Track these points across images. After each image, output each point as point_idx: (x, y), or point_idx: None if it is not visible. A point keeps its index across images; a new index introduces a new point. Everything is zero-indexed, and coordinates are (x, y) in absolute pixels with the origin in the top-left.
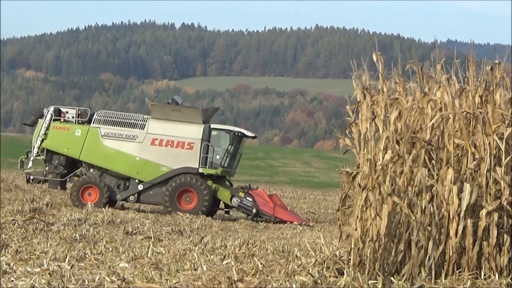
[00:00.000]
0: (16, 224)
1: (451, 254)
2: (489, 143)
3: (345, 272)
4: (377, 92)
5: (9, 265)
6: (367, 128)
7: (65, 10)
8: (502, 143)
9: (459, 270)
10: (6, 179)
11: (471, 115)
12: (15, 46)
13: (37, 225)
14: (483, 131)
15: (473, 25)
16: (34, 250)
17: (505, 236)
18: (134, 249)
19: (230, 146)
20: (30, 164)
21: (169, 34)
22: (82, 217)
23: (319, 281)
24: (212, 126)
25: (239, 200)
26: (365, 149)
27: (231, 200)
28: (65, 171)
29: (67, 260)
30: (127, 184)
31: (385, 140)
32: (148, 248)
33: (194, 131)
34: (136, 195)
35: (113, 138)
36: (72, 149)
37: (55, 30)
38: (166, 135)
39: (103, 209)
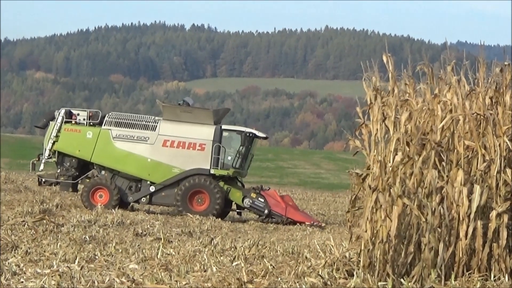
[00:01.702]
0: (26, 225)
1: (461, 255)
2: (499, 145)
3: (355, 273)
4: (387, 94)
5: (18, 266)
6: (377, 130)
7: (75, 11)
8: None
9: (469, 272)
10: (16, 180)
11: (481, 117)
12: (25, 47)
13: (47, 226)
14: (493, 133)
15: (484, 27)
16: (44, 252)
17: None
18: (144, 251)
19: (241, 147)
20: (41, 167)
21: (179, 35)
22: (92, 218)
23: (328, 282)
24: (223, 127)
25: (251, 201)
26: (375, 151)
27: (243, 201)
28: (77, 173)
29: (76, 261)
30: (139, 185)
31: (395, 141)
32: (158, 249)
33: (205, 132)
34: (148, 196)
35: (125, 140)
36: (83, 151)
37: (65, 31)
38: (178, 137)
39: (113, 210)
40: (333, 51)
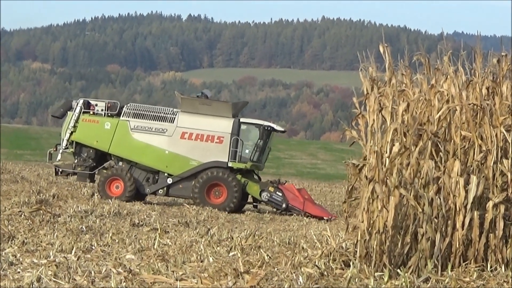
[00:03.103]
0: (22, 215)
1: (457, 246)
2: (496, 135)
3: (351, 264)
4: (384, 84)
5: (15, 257)
6: (374, 120)
7: (72, 2)
8: (509, 135)
9: (466, 262)
10: (12, 171)
11: (478, 107)
12: (22, 37)
13: (43, 216)
14: (490, 123)
15: (480, 17)
16: (41, 242)
17: None
18: (140, 241)
19: (259, 140)
20: (59, 157)
21: (175, 26)
22: (89, 208)
23: (325, 273)
24: (242, 120)
25: (268, 195)
26: (372, 141)
27: (260, 194)
28: (94, 164)
29: (73, 251)
30: (156, 177)
31: (392, 132)
32: (155, 239)
33: (223, 125)
34: (165, 188)
35: (143, 132)
36: (101, 142)
37: (61, 22)
38: (196, 129)
39: (110, 200)
40: (330, 42)
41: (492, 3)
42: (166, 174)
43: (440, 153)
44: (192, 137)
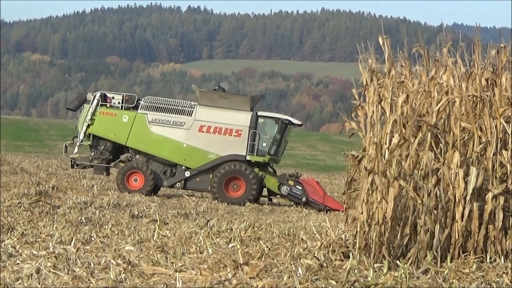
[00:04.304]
0: (22, 207)
1: (457, 237)
2: (496, 126)
3: (350, 255)
4: (383, 75)
5: (14, 248)
6: (373, 112)
7: None
8: (509, 126)
9: (465, 254)
10: (12, 162)
11: (478, 99)
12: (22, 29)
13: (43, 208)
14: (490, 115)
15: (480, 8)
16: (40, 233)
17: (511, 219)
18: (139, 232)
19: (277, 134)
20: (76, 150)
21: (175, 17)
22: (88, 200)
23: (324, 264)
24: (259, 113)
25: (288, 188)
26: (371, 133)
27: (279, 188)
28: (111, 157)
29: (73, 243)
30: (174, 170)
31: (391, 123)
32: (154, 231)
33: (242, 118)
34: (182, 182)
35: (161, 125)
36: (119, 135)
37: (61, 13)
38: (214, 122)
39: (109, 192)
40: (329, 33)
41: None
42: (183, 167)
43: (440, 144)
44: (210, 130)
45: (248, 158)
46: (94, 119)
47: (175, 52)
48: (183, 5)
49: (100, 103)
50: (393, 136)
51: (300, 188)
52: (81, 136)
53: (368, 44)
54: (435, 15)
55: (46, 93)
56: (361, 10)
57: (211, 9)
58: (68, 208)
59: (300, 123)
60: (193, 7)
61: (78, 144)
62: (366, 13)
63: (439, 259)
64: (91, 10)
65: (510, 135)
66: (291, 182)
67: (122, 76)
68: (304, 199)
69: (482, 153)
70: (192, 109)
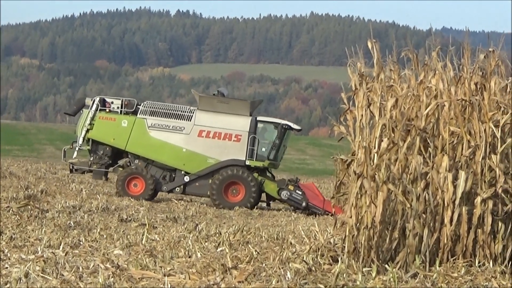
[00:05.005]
0: (10, 211)
1: (445, 241)
2: (485, 131)
3: (339, 259)
4: (372, 80)
5: (3, 252)
6: (362, 116)
7: None
8: (498, 130)
9: (454, 258)
10: (0, 166)
11: (467, 103)
12: (10, 33)
13: (31, 212)
14: (479, 119)
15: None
16: (29, 237)
17: (500, 223)
18: (128, 236)
19: (276, 139)
20: (75, 154)
21: (164, 21)
22: (77, 204)
23: (313, 268)
24: (258, 118)
25: (288, 193)
26: (360, 137)
27: (279, 193)
28: (110, 162)
29: (61, 247)
30: (173, 175)
31: (380, 127)
32: (143, 235)
33: (241, 123)
34: (181, 186)
35: (160, 129)
36: (118, 140)
37: (50, 17)
38: (213, 127)
39: (98, 196)
40: (318, 37)
41: None
42: (183, 172)
43: (429, 148)
44: (210, 135)
45: (247, 163)
46: (93, 124)
47: (164, 56)
48: (172, 9)
49: (99, 108)
50: (382, 140)
51: (300, 193)
52: (80, 141)
53: (357, 48)
54: (424, 19)
55: (35, 97)
56: (350, 14)
57: (200, 13)
58: (56, 212)
59: (299, 128)
60: (182, 11)
61: (77, 149)
62: (355, 17)
63: (427, 263)
64: (80, 14)
65: (499, 139)
66: (291, 187)
67: (111, 80)
68: (304, 204)
69: (471, 157)
70: (191, 114)
